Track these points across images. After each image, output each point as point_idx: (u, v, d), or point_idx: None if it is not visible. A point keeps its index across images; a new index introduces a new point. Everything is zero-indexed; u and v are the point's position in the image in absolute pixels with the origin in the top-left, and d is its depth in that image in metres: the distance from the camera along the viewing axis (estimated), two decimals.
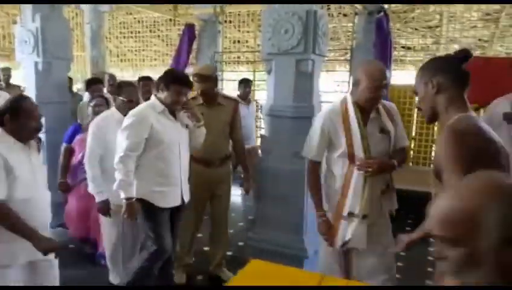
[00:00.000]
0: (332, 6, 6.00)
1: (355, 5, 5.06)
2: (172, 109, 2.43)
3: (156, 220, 2.42)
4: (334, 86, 6.60)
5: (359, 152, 2.09)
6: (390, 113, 2.18)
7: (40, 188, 1.96)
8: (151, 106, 2.42)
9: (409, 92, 5.64)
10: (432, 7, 5.73)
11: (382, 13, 4.87)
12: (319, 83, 3.22)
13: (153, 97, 2.49)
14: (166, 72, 2.52)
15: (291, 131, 2.94)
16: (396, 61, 6.28)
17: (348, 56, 6.09)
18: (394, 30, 5.88)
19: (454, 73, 1.43)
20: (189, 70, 6.93)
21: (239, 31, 7.34)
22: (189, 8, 5.91)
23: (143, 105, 2.48)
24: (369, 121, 2.12)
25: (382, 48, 4.94)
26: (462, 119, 1.35)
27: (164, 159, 2.41)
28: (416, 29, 6.23)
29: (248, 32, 7.05)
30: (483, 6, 5.58)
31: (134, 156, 2.33)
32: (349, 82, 2.42)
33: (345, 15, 6.19)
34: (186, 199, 2.55)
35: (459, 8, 5.63)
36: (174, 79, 2.41)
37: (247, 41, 7.39)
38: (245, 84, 4.77)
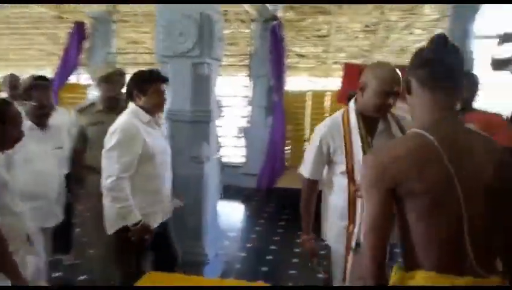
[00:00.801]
0: (230, 11, 6.10)
1: (251, 11, 5.21)
2: (157, 113, 2.22)
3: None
4: (235, 91, 6.73)
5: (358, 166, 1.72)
6: (401, 124, 1.82)
7: None
8: (135, 116, 2.11)
9: (303, 97, 6.03)
10: (321, 18, 6.17)
11: (276, 21, 5.10)
12: (217, 88, 3.23)
13: (132, 106, 2.16)
14: (134, 75, 2.19)
15: (189, 136, 2.91)
16: (290, 68, 6.62)
17: (247, 62, 6.27)
18: (288, 38, 6.19)
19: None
20: (86, 71, 6.50)
21: (136, 31, 7.04)
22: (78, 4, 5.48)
23: (126, 116, 2.12)
24: (377, 134, 1.79)
25: (277, 54, 5.17)
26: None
27: (157, 176, 2.17)
28: (308, 37, 6.64)
29: (145, 33, 6.80)
30: (365, 18, 6.18)
31: (127, 177, 2.03)
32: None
33: (242, 21, 6.33)
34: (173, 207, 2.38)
35: (344, 19, 6.16)
36: (149, 78, 2.14)
37: (144, 43, 7.11)
38: None
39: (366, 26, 6.35)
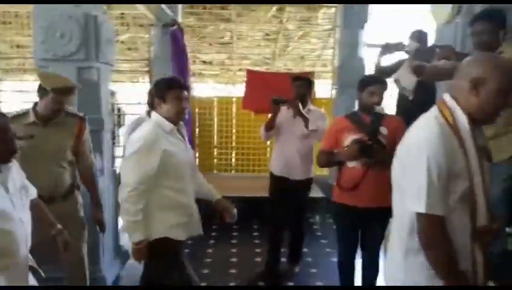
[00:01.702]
0: (128, 15, 5.82)
1: (149, 15, 5.01)
2: (178, 121, 2.10)
3: (177, 257, 2.10)
4: (138, 98, 6.41)
5: (480, 198, 1.35)
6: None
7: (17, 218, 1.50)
8: (158, 125, 2.02)
9: (210, 103, 5.99)
10: (222, 25, 6.20)
11: (176, 26, 4.98)
12: (108, 94, 3.01)
13: (155, 115, 2.07)
14: (156, 83, 2.14)
15: None
16: (195, 74, 6.53)
17: (148, 68, 6.01)
18: (191, 44, 6.10)
19: None
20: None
21: (20, 34, 6.34)
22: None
23: (149, 125, 2.03)
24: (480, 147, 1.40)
25: (179, 60, 5.04)
26: None
27: (181, 189, 2.07)
28: (211, 44, 6.62)
29: (31, 36, 6.15)
30: (265, 27, 6.36)
31: (143, 190, 1.93)
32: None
33: (141, 25, 6.08)
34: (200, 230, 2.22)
35: (244, 27, 6.27)
36: (169, 85, 2.05)
37: (30, 47, 6.44)
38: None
39: (267, 34, 6.54)
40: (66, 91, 2.22)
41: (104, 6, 2.86)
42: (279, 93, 3.21)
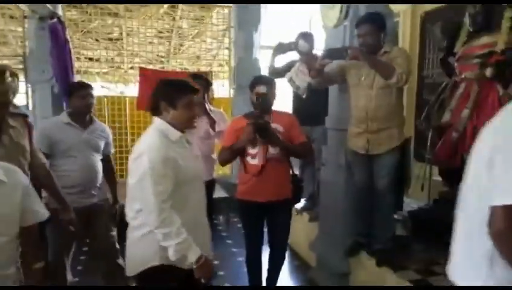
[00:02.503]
0: None
1: (23, 7, 4.41)
2: (187, 129, 1.88)
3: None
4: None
5: None
6: None
7: None
8: (163, 135, 1.77)
9: (100, 103, 5.50)
10: (110, 20, 5.76)
11: (56, 19, 4.46)
12: None
13: (159, 122, 1.81)
14: (163, 85, 1.84)
15: None
16: (81, 72, 5.95)
17: (21, 65, 5.29)
18: (74, 40, 5.55)
19: None
20: None
21: None
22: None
23: (152, 134, 1.78)
24: None
25: (60, 57, 4.53)
26: None
27: (192, 204, 1.83)
28: (97, 40, 6.11)
29: None
30: (157, 24, 6.10)
31: (169, 207, 1.69)
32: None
33: (12, 17, 5.33)
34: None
35: (135, 23, 5.92)
36: (181, 89, 1.80)
37: None
38: None
39: (160, 32, 6.28)
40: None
41: None
42: None
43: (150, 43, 6.41)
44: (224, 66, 6.72)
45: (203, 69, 6.43)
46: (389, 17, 3.02)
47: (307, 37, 3.27)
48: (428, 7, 3.88)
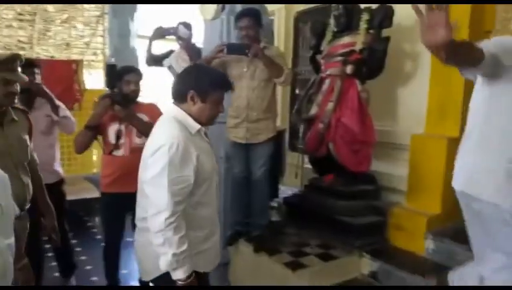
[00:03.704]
0: None
1: None
2: (208, 124, 1.71)
3: None
4: None
5: None
6: None
7: None
8: (182, 126, 1.58)
9: None
10: None
11: None
12: None
13: (177, 111, 1.62)
14: (198, 71, 1.66)
15: None
16: None
17: None
18: None
19: None
20: None
21: None
22: None
23: (171, 125, 1.57)
24: None
25: None
26: None
27: (209, 204, 1.68)
28: None
29: None
30: (16, 6, 5.36)
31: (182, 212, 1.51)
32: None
33: None
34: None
35: None
36: (217, 83, 1.63)
37: None
38: None
39: (20, 14, 5.53)
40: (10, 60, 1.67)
41: None
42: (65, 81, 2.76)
43: (9, 26, 5.60)
44: (98, 55, 6.25)
45: (75, 57, 5.89)
46: (264, 14, 3.15)
47: (187, 25, 3.23)
48: (301, 7, 4.15)
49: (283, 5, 4.33)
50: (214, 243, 1.75)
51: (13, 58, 1.72)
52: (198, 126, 1.63)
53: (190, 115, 1.63)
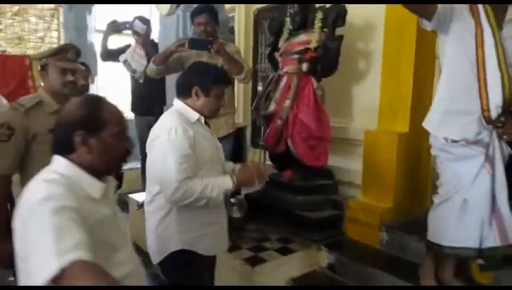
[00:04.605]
0: None
1: None
2: (212, 117, 1.81)
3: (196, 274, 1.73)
4: None
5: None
6: None
7: None
8: (182, 116, 1.70)
9: None
10: None
11: None
12: None
13: (179, 104, 1.75)
14: (203, 68, 1.79)
15: None
16: None
17: None
18: None
19: None
20: None
21: None
22: None
23: (171, 117, 1.69)
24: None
25: None
26: None
27: None
28: None
29: None
30: None
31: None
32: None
33: None
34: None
35: None
36: (219, 78, 1.75)
37: None
38: None
39: None
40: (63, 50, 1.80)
41: None
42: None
43: None
44: None
45: (29, 52, 5.65)
46: (223, 10, 3.16)
47: (143, 19, 3.19)
48: (260, 5, 4.17)
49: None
50: (221, 227, 1.85)
51: (66, 48, 1.83)
52: (197, 115, 1.74)
53: (194, 108, 1.74)
